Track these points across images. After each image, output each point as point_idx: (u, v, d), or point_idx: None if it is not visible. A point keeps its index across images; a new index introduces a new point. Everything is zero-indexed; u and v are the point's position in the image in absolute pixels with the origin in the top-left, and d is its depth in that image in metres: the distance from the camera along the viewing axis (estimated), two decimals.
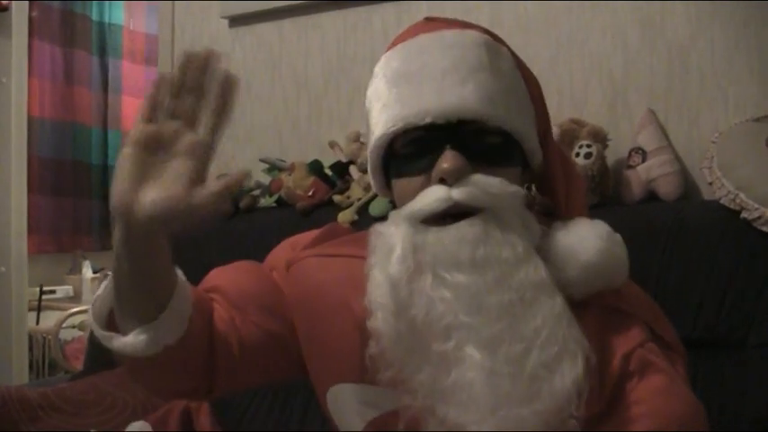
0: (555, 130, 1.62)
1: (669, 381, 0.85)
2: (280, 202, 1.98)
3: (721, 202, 1.41)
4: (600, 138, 1.60)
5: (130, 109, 4.76)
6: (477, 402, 0.78)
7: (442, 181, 0.85)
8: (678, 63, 1.67)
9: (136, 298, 0.87)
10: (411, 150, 0.90)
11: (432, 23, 0.98)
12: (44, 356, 3.66)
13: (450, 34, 0.94)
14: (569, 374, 0.79)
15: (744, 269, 1.35)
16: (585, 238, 0.88)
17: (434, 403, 0.81)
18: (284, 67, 2.23)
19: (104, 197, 4.58)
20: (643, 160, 1.60)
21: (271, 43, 2.26)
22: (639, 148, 1.62)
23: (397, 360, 0.85)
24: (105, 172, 4.60)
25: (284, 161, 2.06)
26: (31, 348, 3.51)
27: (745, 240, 1.36)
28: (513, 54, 0.98)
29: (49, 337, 3.57)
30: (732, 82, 1.61)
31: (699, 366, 1.36)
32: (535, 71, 1.00)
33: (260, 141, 2.25)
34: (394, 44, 0.98)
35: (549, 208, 1.02)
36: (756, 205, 1.35)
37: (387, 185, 0.98)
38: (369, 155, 0.97)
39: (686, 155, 1.64)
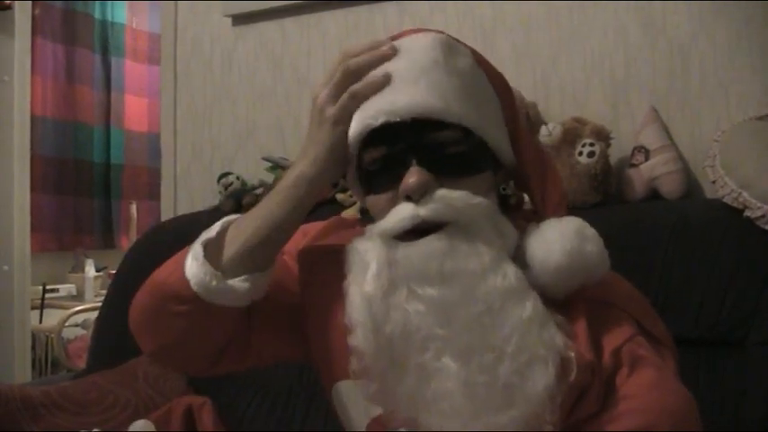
0: (557, 129, 1.62)
1: (660, 375, 0.85)
2: None
3: (724, 200, 1.40)
4: (603, 136, 1.60)
5: (133, 107, 4.77)
6: (459, 411, 0.81)
7: (408, 198, 0.86)
8: (680, 61, 1.67)
9: (265, 246, 0.99)
10: (378, 167, 0.92)
11: (392, 36, 0.99)
12: (47, 355, 3.66)
13: (403, 41, 0.95)
14: (541, 380, 0.80)
15: (746, 268, 1.34)
16: (553, 242, 0.88)
17: (417, 414, 0.84)
18: (286, 66, 2.23)
19: (106, 195, 4.58)
20: (646, 159, 1.60)
21: (273, 42, 2.26)
22: (642, 147, 1.62)
23: (378, 374, 0.88)
24: (107, 170, 4.60)
25: (287, 159, 2.06)
26: (33, 347, 3.51)
27: (748, 239, 1.36)
28: (473, 52, 0.98)
29: (52, 335, 3.57)
30: (734, 80, 1.62)
31: (699, 365, 1.36)
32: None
33: (262, 140, 2.25)
34: None
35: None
36: (759, 204, 1.34)
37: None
38: (347, 170, 1.00)
39: (689, 153, 1.64)
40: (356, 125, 0.91)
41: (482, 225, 0.87)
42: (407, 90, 0.88)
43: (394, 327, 0.85)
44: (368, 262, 0.89)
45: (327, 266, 1.04)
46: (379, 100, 0.89)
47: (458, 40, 0.98)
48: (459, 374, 0.81)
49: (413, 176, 0.85)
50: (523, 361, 0.80)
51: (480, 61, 0.98)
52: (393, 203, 0.89)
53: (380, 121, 0.87)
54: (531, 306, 0.83)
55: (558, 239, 0.87)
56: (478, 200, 0.87)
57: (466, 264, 0.84)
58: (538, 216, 0.96)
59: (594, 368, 0.84)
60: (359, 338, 0.88)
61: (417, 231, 0.86)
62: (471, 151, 0.90)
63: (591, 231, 0.90)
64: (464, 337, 0.81)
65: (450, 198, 0.85)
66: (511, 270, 0.85)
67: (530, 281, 0.87)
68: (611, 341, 0.87)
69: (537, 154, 1.01)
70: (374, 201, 0.94)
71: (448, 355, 0.82)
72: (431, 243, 0.85)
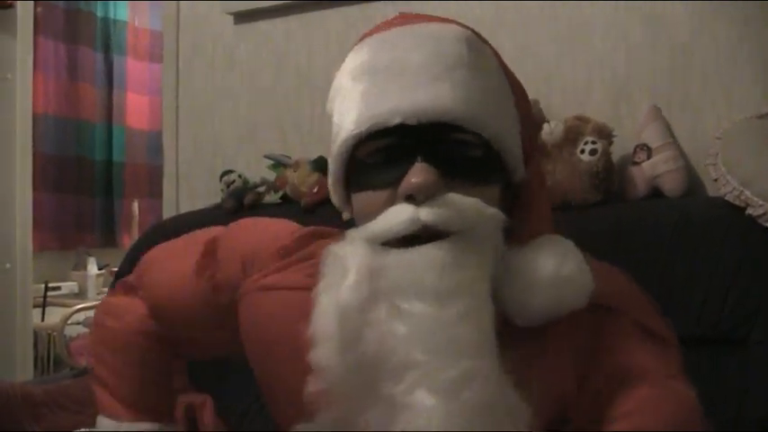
0: (559, 127, 1.62)
1: (657, 389, 0.78)
2: (285, 198, 1.99)
3: (726, 198, 1.40)
4: (605, 134, 1.60)
5: (134, 105, 4.77)
6: None
7: (409, 198, 0.75)
8: (681, 60, 1.67)
9: None
10: (377, 160, 0.81)
11: (407, 17, 0.88)
12: (49, 353, 3.67)
13: (425, 27, 0.84)
14: (526, 418, 0.71)
15: (748, 266, 1.34)
16: (526, 292, 0.78)
17: None
18: (288, 64, 2.23)
19: (108, 194, 4.59)
20: (648, 157, 1.60)
21: (275, 40, 2.26)
22: (644, 145, 1.61)
23: (339, 400, 0.76)
24: (109, 168, 4.61)
25: (289, 157, 2.06)
26: (35, 345, 3.52)
27: (750, 237, 1.36)
28: (497, 55, 0.89)
29: (54, 333, 3.58)
30: (735, 78, 1.61)
31: (702, 363, 1.35)
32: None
33: (264, 138, 2.25)
34: (363, 38, 0.88)
35: None
36: (761, 201, 1.34)
37: (348, 199, 0.88)
38: (330, 162, 0.88)
39: (691, 151, 1.63)
40: (363, 120, 0.79)
41: (487, 241, 0.77)
42: (429, 89, 0.77)
43: (366, 347, 0.73)
44: (347, 268, 0.77)
45: (269, 311, 0.96)
46: (395, 94, 0.78)
47: (482, 38, 0.88)
48: (438, 410, 0.68)
49: (418, 174, 0.74)
50: (517, 399, 0.71)
51: (504, 66, 0.89)
52: (389, 204, 0.78)
53: (396, 121, 0.77)
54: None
55: (532, 291, 0.78)
56: (493, 211, 0.77)
57: (470, 283, 0.73)
58: (515, 234, 0.83)
59: (568, 395, 0.79)
60: (323, 355, 0.76)
61: (413, 240, 0.75)
62: (486, 159, 0.81)
63: (567, 269, 0.79)
64: (455, 367, 0.69)
65: (460, 204, 0.75)
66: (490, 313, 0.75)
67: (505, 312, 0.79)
68: (607, 353, 0.81)
69: (538, 171, 0.92)
70: (365, 199, 0.81)
71: (425, 388, 0.69)
72: (431, 252, 0.73)
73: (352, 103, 0.82)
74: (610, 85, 1.75)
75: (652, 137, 1.61)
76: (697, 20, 1.65)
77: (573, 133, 1.61)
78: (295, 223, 1.11)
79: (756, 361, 1.32)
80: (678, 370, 0.83)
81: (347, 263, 0.78)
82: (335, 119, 0.87)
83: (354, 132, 0.80)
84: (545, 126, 1.65)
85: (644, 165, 1.60)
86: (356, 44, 0.88)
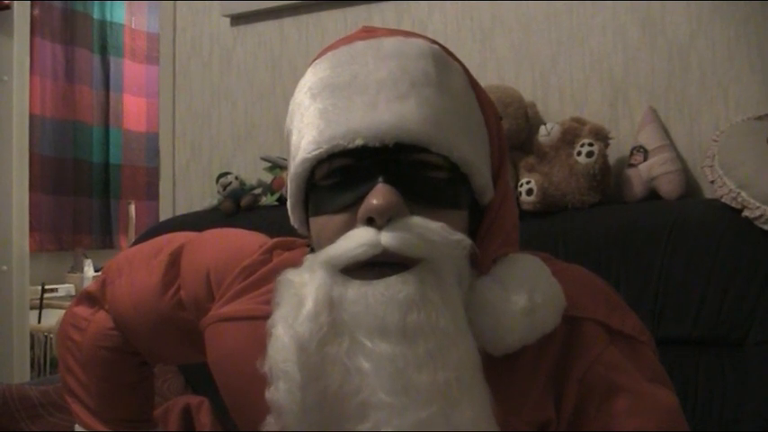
0: (556, 129, 1.62)
1: (634, 398, 0.74)
2: (281, 200, 1.98)
3: (723, 200, 1.40)
4: (601, 136, 1.60)
5: (131, 107, 4.77)
6: None
7: (370, 221, 0.69)
8: (678, 61, 1.67)
9: None
10: (335, 181, 0.74)
11: (370, 31, 0.83)
12: (45, 355, 3.67)
13: (389, 42, 0.78)
14: None
15: (745, 268, 1.34)
16: (500, 323, 0.72)
17: None
18: (285, 66, 2.23)
19: (105, 195, 4.58)
20: (644, 159, 1.60)
21: (272, 42, 2.26)
22: (641, 147, 1.62)
23: None
24: (106, 170, 4.60)
25: (285, 159, 2.05)
26: (32, 347, 3.52)
27: (747, 239, 1.36)
28: (466, 71, 0.83)
29: (51, 335, 3.57)
30: (732, 80, 1.62)
31: (700, 364, 1.36)
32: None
33: (261, 140, 2.25)
34: (323, 52, 0.82)
35: None
36: (758, 204, 1.34)
37: (307, 223, 0.82)
38: (288, 184, 0.82)
39: (687, 153, 1.64)
40: (323, 140, 0.73)
41: (453, 270, 0.71)
42: (393, 107, 0.72)
43: (329, 383, 0.67)
44: (303, 297, 0.71)
45: (231, 345, 0.92)
46: (356, 113, 0.72)
47: (450, 53, 0.83)
48: None
49: (379, 196, 0.68)
50: None
51: (473, 83, 0.83)
52: (348, 228, 0.71)
53: (357, 143, 0.71)
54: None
55: (506, 326, 0.72)
56: (459, 236, 0.70)
57: (436, 319, 0.67)
58: (481, 258, 0.77)
59: (548, 422, 0.75)
60: (281, 392, 0.70)
61: (373, 266, 0.69)
62: (452, 182, 0.75)
63: (540, 296, 0.74)
64: (420, 411, 0.64)
65: (425, 229, 0.69)
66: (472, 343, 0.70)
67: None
68: (575, 368, 0.76)
69: (506, 191, 0.84)
70: (323, 223, 0.75)
71: (392, 428, 0.64)
72: (395, 285, 0.67)
73: (310, 121, 0.76)
74: (607, 87, 1.75)
75: (649, 139, 1.62)
76: (694, 21, 1.65)
77: (570, 135, 1.61)
78: (263, 236, 1.07)
79: (754, 362, 1.32)
80: (653, 370, 0.79)
81: (303, 291, 0.72)
82: (294, 138, 0.81)
83: (313, 154, 0.74)
84: (541, 128, 1.65)
85: (641, 167, 1.60)
86: (316, 58, 0.83)
